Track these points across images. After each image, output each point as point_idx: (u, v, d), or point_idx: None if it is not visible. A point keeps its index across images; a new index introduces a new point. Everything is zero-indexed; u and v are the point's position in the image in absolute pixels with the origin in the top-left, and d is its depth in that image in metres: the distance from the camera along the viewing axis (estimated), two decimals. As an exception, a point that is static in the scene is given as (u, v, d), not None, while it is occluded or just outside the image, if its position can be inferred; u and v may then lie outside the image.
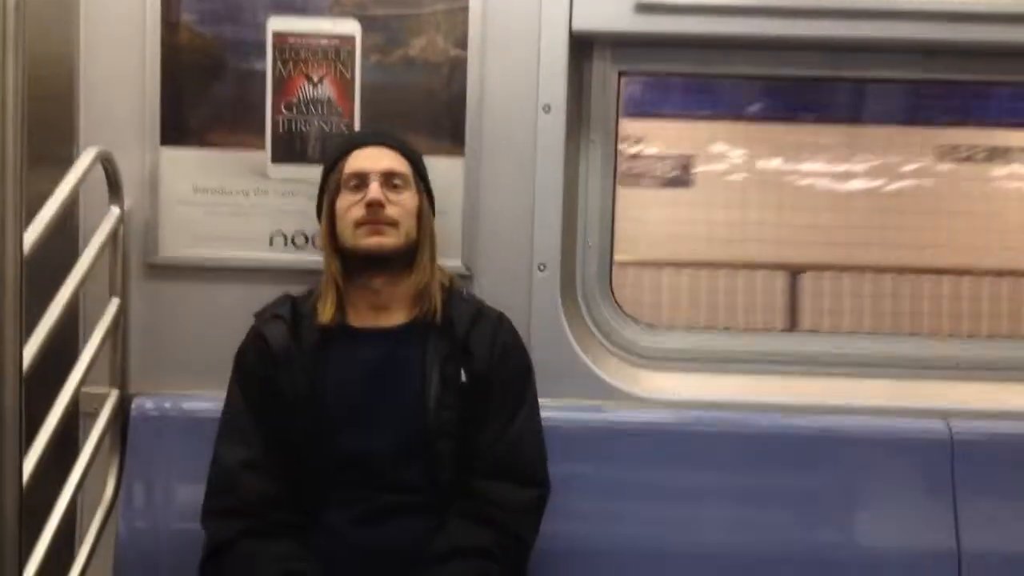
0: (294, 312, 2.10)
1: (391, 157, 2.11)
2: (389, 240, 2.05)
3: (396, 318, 2.09)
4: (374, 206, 2.03)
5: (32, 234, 1.90)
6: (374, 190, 2.04)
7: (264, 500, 2.00)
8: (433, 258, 2.12)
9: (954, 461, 2.30)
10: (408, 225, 2.07)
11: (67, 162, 2.15)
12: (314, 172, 2.23)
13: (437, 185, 2.20)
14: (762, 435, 2.35)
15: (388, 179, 2.07)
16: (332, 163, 2.13)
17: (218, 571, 1.99)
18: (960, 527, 2.26)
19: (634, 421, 2.35)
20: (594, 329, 2.51)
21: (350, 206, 2.06)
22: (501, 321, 2.15)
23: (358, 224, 2.05)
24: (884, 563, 2.26)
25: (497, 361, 2.07)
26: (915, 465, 2.32)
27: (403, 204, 2.07)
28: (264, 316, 2.12)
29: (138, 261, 2.37)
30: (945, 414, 2.36)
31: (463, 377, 2.04)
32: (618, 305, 2.53)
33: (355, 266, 2.08)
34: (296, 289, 2.19)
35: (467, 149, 2.36)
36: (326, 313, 2.06)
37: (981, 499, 2.29)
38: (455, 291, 2.15)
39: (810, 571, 2.25)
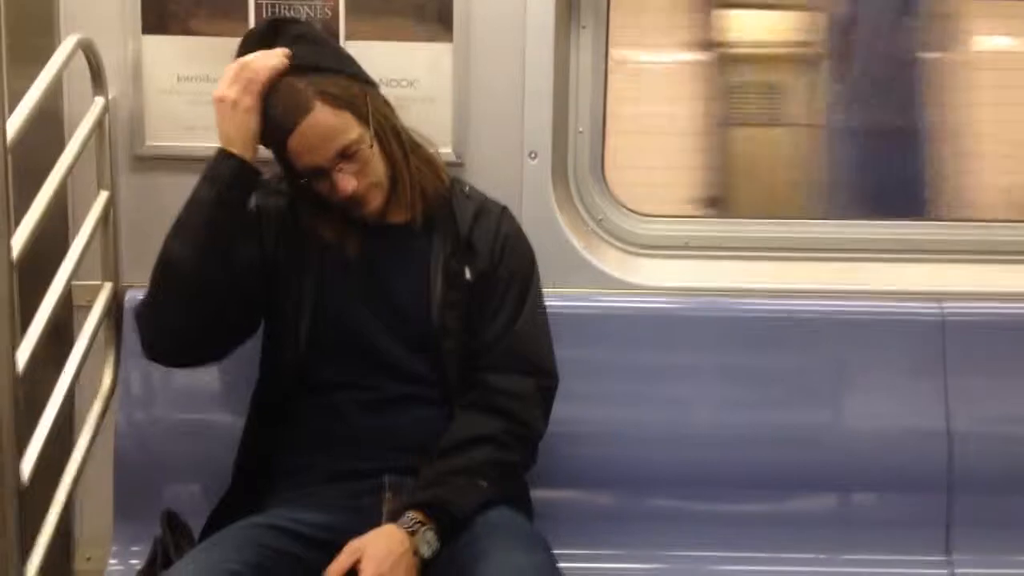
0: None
1: (328, 128, 1.90)
2: (376, 202, 1.97)
3: (398, 216, 2.04)
4: (350, 195, 1.93)
5: (15, 123, 1.87)
6: (342, 185, 1.91)
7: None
8: (411, 162, 2.02)
9: (945, 342, 2.32)
10: (380, 174, 1.96)
11: (49, 54, 2.11)
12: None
13: (425, 72, 2.16)
14: (755, 319, 2.36)
15: (344, 156, 1.92)
16: (277, 152, 1.95)
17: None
18: (950, 407, 2.29)
19: (626, 307, 2.37)
20: (586, 217, 2.51)
21: (326, 192, 1.94)
22: (504, 215, 2.12)
23: (342, 206, 1.96)
24: (875, 442, 2.30)
25: (500, 255, 2.05)
26: (907, 346, 2.34)
27: (369, 166, 1.94)
28: (262, 191, 2.04)
29: (125, 152, 2.34)
30: (937, 296, 2.38)
31: (467, 275, 2.02)
32: (610, 192, 2.52)
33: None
34: (283, 179, 2.17)
35: (455, 35, 2.31)
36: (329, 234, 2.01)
37: (971, 379, 2.32)
38: (457, 188, 2.11)
39: (802, 450, 2.29)
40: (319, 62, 1.94)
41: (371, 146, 1.94)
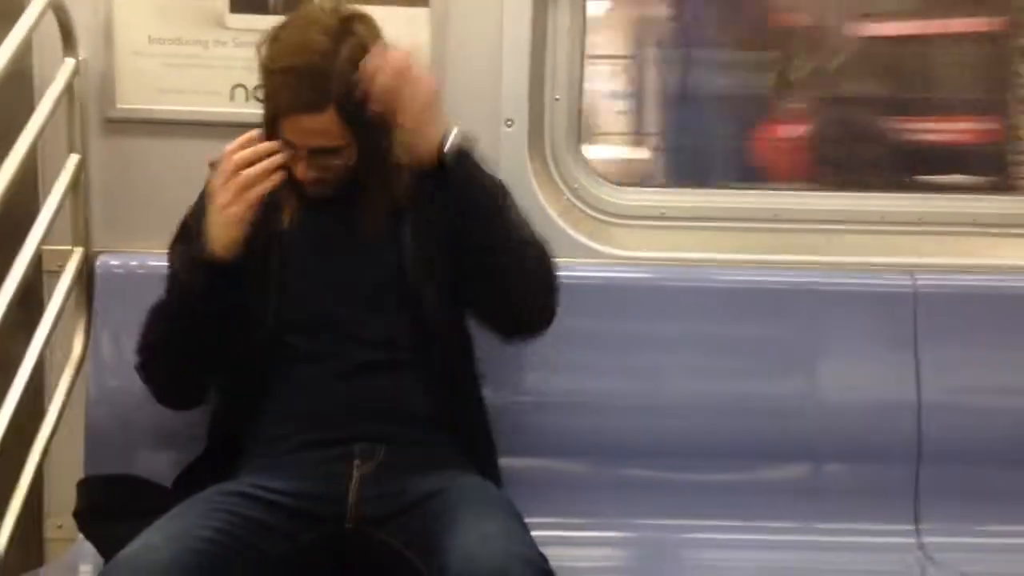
0: None
1: (322, 132, 1.86)
2: (329, 189, 1.95)
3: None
4: (307, 183, 1.92)
5: (-18, 84, 1.84)
6: (303, 170, 1.89)
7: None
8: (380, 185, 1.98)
9: (917, 313, 2.34)
10: (344, 173, 1.93)
11: (18, 14, 2.07)
12: (274, 22, 2.15)
13: (402, 37, 2.12)
14: (728, 290, 2.37)
15: (319, 153, 1.90)
16: (269, 110, 1.90)
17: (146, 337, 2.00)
18: (921, 378, 2.31)
19: (600, 277, 2.37)
20: (562, 186, 2.50)
21: (289, 159, 1.90)
22: None
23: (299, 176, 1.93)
24: (846, 412, 2.31)
25: None
26: (879, 317, 2.35)
27: (336, 166, 1.92)
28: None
29: (96, 116, 2.31)
30: (909, 267, 2.39)
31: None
32: (587, 162, 2.51)
33: None
34: (260, 144, 2.15)
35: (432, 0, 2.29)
36: (286, 218, 1.99)
37: (942, 350, 2.33)
38: None
39: (774, 420, 2.30)
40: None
41: (348, 150, 1.90)
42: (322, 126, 1.86)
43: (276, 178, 1.86)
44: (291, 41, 1.88)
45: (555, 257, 2.00)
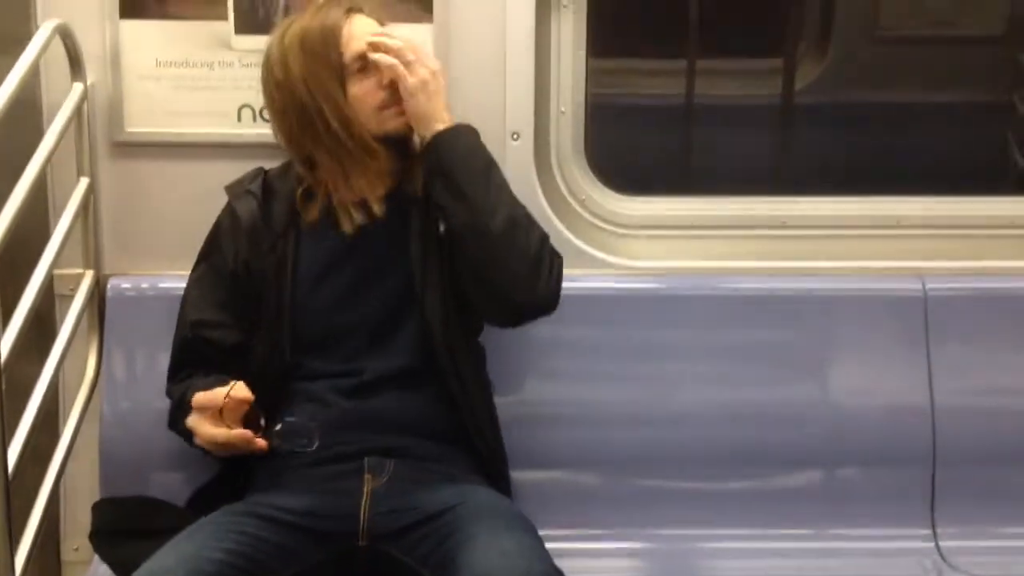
0: (265, 188, 2.08)
1: (376, 28, 2.04)
2: (405, 117, 2.01)
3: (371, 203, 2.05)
4: (395, 85, 1.97)
5: (-7, 111, 1.86)
6: (390, 68, 1.96)
7: (221, 351, 2.04)
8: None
9: (928, 318, 2.33)
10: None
11: (26, 40, 2.09)
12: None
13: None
14: (739, 297, 2.37)
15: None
16: (325, 55, 1.98)
17: (174, 424, 2.06)
18: (933, 381, 2.30)
19: (610, 287, 2.37)
20: (569, 198, 2.50)
21: (366, 92, 1.98)
22: None
23: (381, 107, 1.99)
24: (860, 418, 2.31)
25: None
26: (890, 322, 2.35)
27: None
28: (235, 190, 2.09)
29: (105, 139, 2.33)
30: (920, 271, 2.38)
31: (440, 228, 2.01)
32: (593, 173, 2.52)
33: (358, 154, 2.00)
34: (269, 164, 2.16)
35: (436, 15, 2.30)
36: (312, 212, 2.04)
37: (954, 353, 2.32)
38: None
39: (787, 427, 2.30)
40: None
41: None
42: (368, 21, 2.02)
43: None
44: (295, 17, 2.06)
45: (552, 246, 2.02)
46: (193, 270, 2.12)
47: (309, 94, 1.96)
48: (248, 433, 1.87)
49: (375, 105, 1.99)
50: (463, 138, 1.98)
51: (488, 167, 1.98)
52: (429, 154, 1.97)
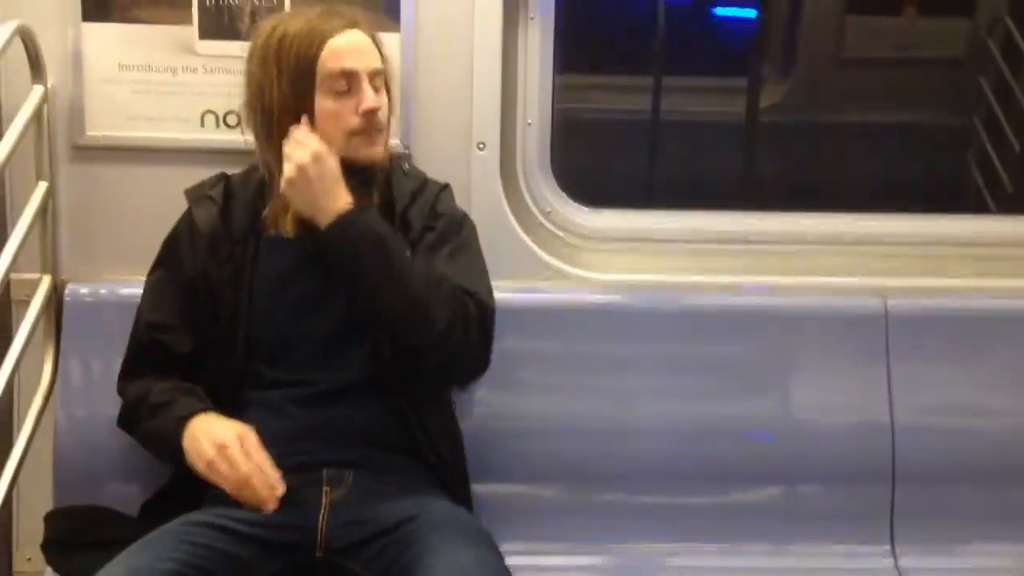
0: (226, 193, 2.05)
1: (371, 49, 1.96)
2: (381, 149, 1.97)
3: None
4: (373, 114, 1.92)
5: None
6: (371, 96, 1.91)
7: (177, 359, 2.02)
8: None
9: (888, 335, 2.34)
10: (387, 123, 1.99)
11: (-15, 41, 2.07)
12: (244, 49, 2.15)
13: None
14: (701, 312, 2.37)
15: (373, 79, 1.95)
16: (306, 59, 1.91)
17: (128, 425, 2.05)
18: (894, 399, 2.31)
19: (573, 299, 2.37)
20: (534, 209, 2.50)
21: (339, 112, 1.91)
22: (443, 192, 2.12)
23: (353, 133, 1.93)
24: (820, 434, 2.31)
25: (434, 220, 2.05)
26: (851, 339, 2.35)
27: (385, 103, 1.97)
28: (195, 195, 2.07)
29: (65, 142, 2.30)
30: (880, 289, 2.40)
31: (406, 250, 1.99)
32: (559, 185, 2.52)
33: None
34: (232, 170, 2.13)
35: (403, 23, 2.30)
36: (288, 224, 1.98)
37: (914, 371, 2.33)
38: (395, 166, 2.09)
39: (748, 443, 2.29)
40: None
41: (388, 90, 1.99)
42: (368, 42, 1.96)
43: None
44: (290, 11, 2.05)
45: (482, 309, 1.98)
46: (150, 273, 2.09)
47: (279, 94, 1.92)
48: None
49: (345, 129, 1.93)
50: (347, 231, 1.89)
51: (380, 254, 1.90)
52: (319, 245, 1.93)
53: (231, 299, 1.99)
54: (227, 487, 1.85)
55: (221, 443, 1.85)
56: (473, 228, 2.13)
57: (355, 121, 1.92)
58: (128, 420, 2.05)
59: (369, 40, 1.97)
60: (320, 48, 1.90)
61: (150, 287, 2.08)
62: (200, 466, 1.87)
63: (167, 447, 1.95)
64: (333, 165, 1.89)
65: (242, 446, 1.85)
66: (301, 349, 1.99)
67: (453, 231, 2.06)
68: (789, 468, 2.30)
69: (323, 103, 1.92)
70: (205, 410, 1.93)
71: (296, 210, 1.94)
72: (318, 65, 1.90)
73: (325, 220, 1.89)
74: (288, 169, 1.88)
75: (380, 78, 1.96)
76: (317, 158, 1.87)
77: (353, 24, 1.95)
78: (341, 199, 1.89)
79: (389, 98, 2.00)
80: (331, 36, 1.91)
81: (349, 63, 1.91)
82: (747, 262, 2.50)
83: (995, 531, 2.29)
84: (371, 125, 1.93)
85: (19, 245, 2.12)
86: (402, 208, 2.03)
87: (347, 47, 1.92)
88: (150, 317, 2.05)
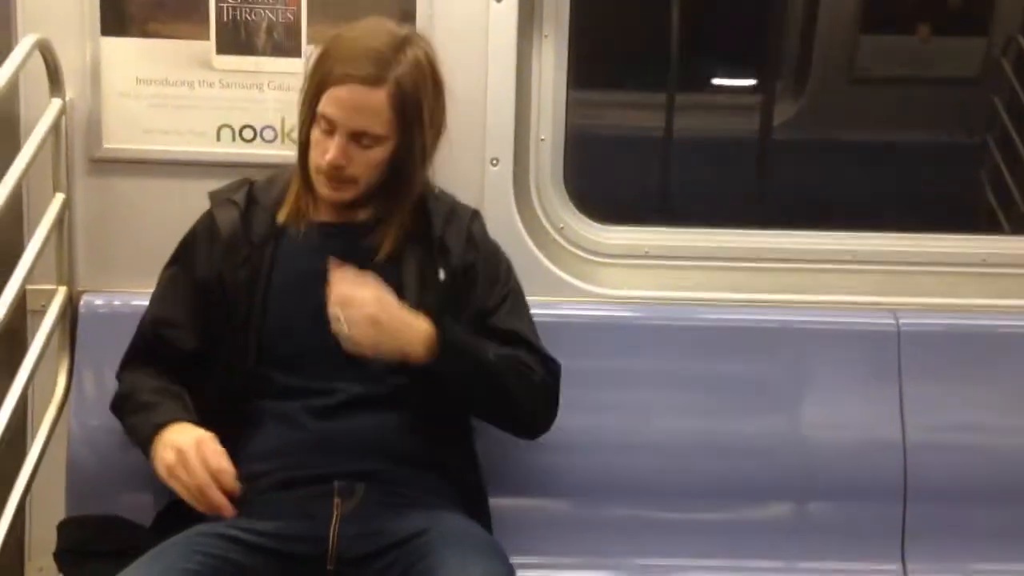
0: (249, 199, 2.07)
1: (371, 111, 1.91)
2: (346, 194, 1.99)
3: (366, 213, 2.05)
4: (330, 165, 1.94)
5: (-31, 125, 1.85)
6: (335, 151, 1.92)
7: (179, 356, 2.04)
8: (407, 200, 2.03)
9: (900, 353, 2.34)
10: (369, 177, 1.98)
11: (5, 53, 2.09)
12: (260, 64, 2.19)
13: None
14: (713, 328, 2.37)
15: (357, 137, 1.94)
16: (317, 84, 1.95)
17: (116, 412, 2.07)
18: (905, 416, 2.31)
19: (586, 316, 2.37)
20: (547, 225, 2.51)
21: (316, 144, 1.96)
22: (475, 216, 2.15)
23: (318, 171, 1.96)
24: (831, 451, 2.31)
25: (475, 252, 2.08)
26: (863, 356, 2.36)
27: (367, 161, 1.96)
28: (218, 198, 2.08)
29: (82, 155, 2.32)
30: (893, 307, 2.40)
31: (441, 275, 2.02)
32: (572, 201, 2.52)
33: (302, 175, 2.03)
34: (251, 181, 2.16)
35: (418, 40, 2.31)
36: (283, 212, 2.03)
37: (926, 389, 2.34)
38: (428, 189, 2.11)
39: (760, 459, 2.30)
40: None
41: (387, 146, 1.95)
42: (372, 104, 1.91)
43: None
44: (363, 27, 1.99)
45: (553, 372, 2.08)
46: (165, 268, 2.11)
47: (303, 102, 1.99)
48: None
49: (315, 163, 1.97)
50: (446, 352, 1.92)
51: (476, 365, 1.97)
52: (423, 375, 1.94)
53: (245, 303, 2.00)
54: (185, 495, 1.85)
55: (179, 449, 1.85)
56: (510, 264, 2.16)
57: (322, 162, 1.95)
58: (117, 408, 2.07)
59: (371, 103, 1.91)
60: (324, 87, 1.93)
61: (162, 282, 2.10)
62: (162, 473, 1.87)
63: (143, 449, 1.95)
64: (386, 295, 1.88)
65: (199, 452, 1.85)
66: (319, 357, 1.97)
67: (504, 274, 2.12)
68: (801, 485, 2.31)
69: (313, 130, 1.97)
70: (182, 420, 1.93)
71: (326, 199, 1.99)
72: (320, 98, 1.94)
73: (419, 349, 1.89)
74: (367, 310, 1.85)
75: (368, 138, 1.94)
76: (379, 300, 1.87)
77: (367, 81, 1.91)
78: (418, 322, 1.90)
79: (406, 158, 1.98)
80: (337, 83, 1.91)
81: (334, 113, 1.92)
82: (760, 279, 2.50)
83: (1006, 550, 2.28)
84: (330, 174, 1.96)
85: (36, 256, 2.14)
86: (439, 232, 2.05)
87: (339, 100, 1.92)
88: (157, 312, 2.07)
